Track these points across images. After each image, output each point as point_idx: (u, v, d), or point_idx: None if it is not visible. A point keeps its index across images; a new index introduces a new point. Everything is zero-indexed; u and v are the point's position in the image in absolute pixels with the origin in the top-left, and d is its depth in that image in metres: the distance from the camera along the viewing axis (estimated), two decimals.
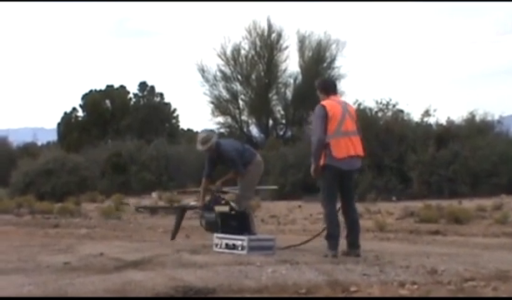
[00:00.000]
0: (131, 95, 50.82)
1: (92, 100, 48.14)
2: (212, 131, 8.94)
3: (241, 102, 34.95)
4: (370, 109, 24.99)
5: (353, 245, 7.29)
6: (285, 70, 34.70)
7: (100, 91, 49.33)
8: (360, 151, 7.28)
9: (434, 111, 25.27)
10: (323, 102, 7.19)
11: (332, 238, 7.18)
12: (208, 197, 8.45)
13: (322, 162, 7.11)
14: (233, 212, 8.12)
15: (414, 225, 12.36)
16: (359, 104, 25.14)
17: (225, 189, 8.45)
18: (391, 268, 6.24)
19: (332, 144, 7.04)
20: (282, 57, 34.68)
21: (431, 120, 25.41)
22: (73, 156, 28.77)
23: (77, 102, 54.56)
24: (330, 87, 7.51)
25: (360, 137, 7.32)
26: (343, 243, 7.40)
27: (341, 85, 33.90)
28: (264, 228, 11.24)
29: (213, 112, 34.80)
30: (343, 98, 7.58)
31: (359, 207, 16.07)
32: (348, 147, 7.13)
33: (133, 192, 26.83)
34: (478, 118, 25.50)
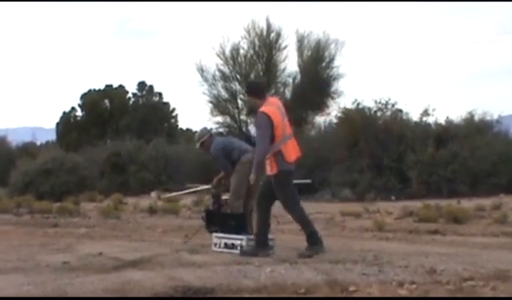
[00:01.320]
0: (130, 95, 50.78)
1: (91, 100, 48.10)
2: (207, 129, 9.03)
3: (240, 102, 34.91)
4: (369, 109, 25.00)
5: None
6: (284, 69, 34.59)
7: (99, 90, 49.28)
8: (298, 151, 7.41)
9: (433, 110, 25.28)
10: (265, 110, 7.14)
11: (313, 235, 7.20)
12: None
13: (275, 169, 7.12)
14: (205, 212, 8.36)
15: (412, 225, 12.35)
16: (358, 104, 25.16)
17: None
18: (390, 268, 6.24)
19: (283, 150, 7.12)
20: (281, 56, 34.57)
21: (430, 120, 25.41)
22: (72, 155, 28.73)
23: (76, 101, 54.52)
24: (263, 90, 7.54)
25: None
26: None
27: (340, 84, 33.94)
28: None
29: (211, 112, 34.75)
30: (274, 97, 7.58)
31: (358, 206, 16.16)
32: (294, 148, 7.29)
33: (131, 191, 26.82)
34: (477, 118, 25.49)
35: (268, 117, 7.07)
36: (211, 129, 9.19)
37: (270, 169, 7.16)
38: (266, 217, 7.38)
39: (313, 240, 7.18)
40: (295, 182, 7.50)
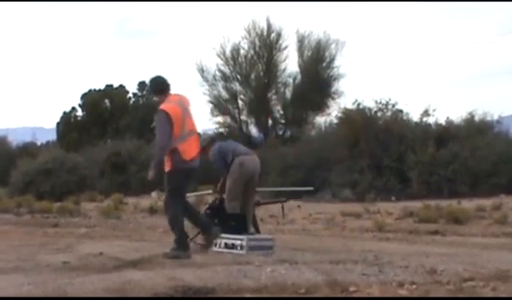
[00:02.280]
0: (130, 94, 50.80)
1: (91, 99, 48.08)
2: (209, 135, 9.17)
3: (240, 102, 34.91)
4: (369, 109, 24.98)
5: (205, 230, 7.50)
6: (284, 70, 34.64)
7: (99, 90, 49.26)
8: (199, 147, 7.47)
9: (434, 111, 25.26)
10: (164, 108, 7.17)
11: (181, 240, 7.22)
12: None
13: (171, 167, 7.16)
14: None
15: (413, 225, 12.36)
16: (359, 104, 25.14)
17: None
18: (390, 268, 6.24)
19: (180, 149, 7.13)
20: (281, 56, 34.61)
21: (430, 120, 25.41)
22: (73, 155, 28.72)
23: (76, 101, 54.41)
24: (166, 87, 7.48)
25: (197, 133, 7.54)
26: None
27: (340, 85, 33.94)
28: (263, 228, 11.23)
29: (212, 112, 34.77)
30: (177, 93, 7.60)
31: (359, 206, 16.17)
32: (194, 146, 7.30)
33: (132, 191, 26.82)
34: (477, 118, 25.50)
35: (166, 114, 7.11)
36: (213, 134, 9.31)
37: (166, 166, 7.20)
38: (192, 213, 7.58)
39: (180, 244, 7.19)
40: (298, 189, 7.57)
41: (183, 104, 7.33)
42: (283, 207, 10.72)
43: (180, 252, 7.09)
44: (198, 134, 7.61)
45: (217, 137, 9.25)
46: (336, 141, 24.91)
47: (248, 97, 34.62)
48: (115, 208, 16.47)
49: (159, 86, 7.45)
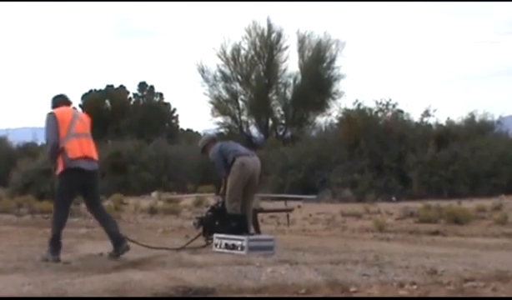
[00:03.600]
0: (131, 95, 50.85)
1: (91, 100, 48.11)
2: (209, 136, 9.23)
3: (241, 103, 34.94)
4: (370, 109, 24.98)
5: (118, 242, 7.23)
6: (285, 70, 34.68)
7: (100, 91, 49.32)
8: (94, 153, 7.37)
9: (434, 111, 25.29)
10: (52, 110, 7.32)
11: (56, 242, 7.12)
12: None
13: (62, 167, 7.10)
14: (196, 219, 8.64)
15: (413, 225, 12.36)
16: (359, 104, 25.14)
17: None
18: (390, 269, 6.24)
19: (66, 148, 7.11)
20: (282, 57, 34.65)
21: (431, 120, 25.44)
22: None
23: (76, 101, 54.39)
24: (59, 102, 7.55)
25: (92, 140, 7.46)
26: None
27: (341, 85, 33.96)
28: (264, 228, 11.24)
29: (212, 112, 34.79)
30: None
31: (359, 207, 16.17)
32: (82, 147, 7.22)
33: (132, 192, 26.83)
34: (477, 119, 25.52)
35: (53, 114, 7.22)
36: (214, 135, 9.35)
37: (58, 168, 7.15)
38: (100, 216, 7.58)
39: (53, 246, 7.08)
40: (300, 197, 7.53)
41: (76, 114, 7.46)
42: (288, 217, 10.77)
43: (50, 255, 6.97)
44: (95, 142, 7.53)
45: (216, 137, 9.25)
46: (336, 141, 24.91)
47: (248, 97, 34.64)
48: (115, 209, 16.46)
49: (54, 102, 7.57)
